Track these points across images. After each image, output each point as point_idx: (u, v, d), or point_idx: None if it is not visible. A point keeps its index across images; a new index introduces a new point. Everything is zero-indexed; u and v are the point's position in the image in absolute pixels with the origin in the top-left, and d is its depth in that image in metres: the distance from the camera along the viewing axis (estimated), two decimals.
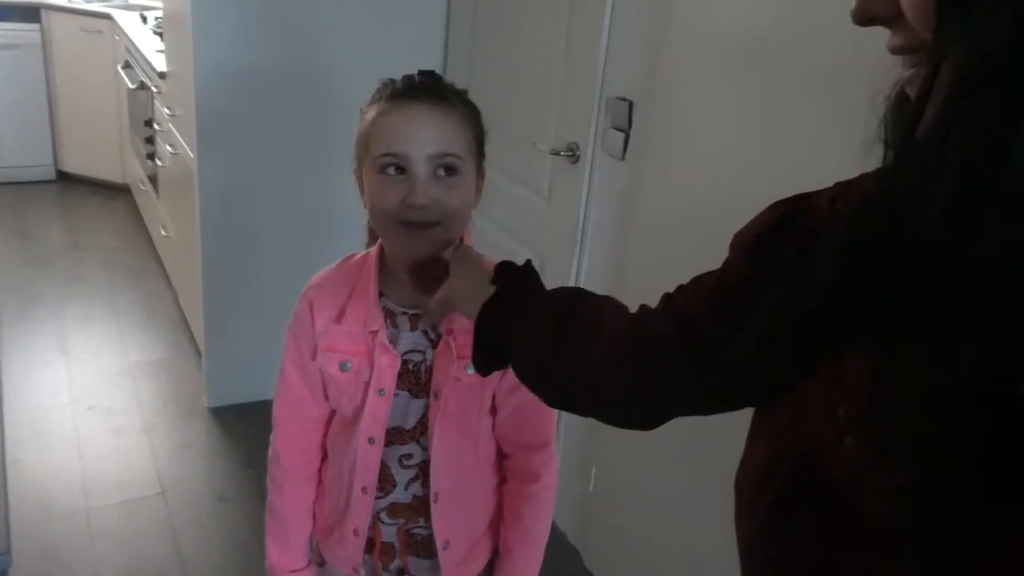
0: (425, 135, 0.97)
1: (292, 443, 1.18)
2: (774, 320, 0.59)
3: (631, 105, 1.86)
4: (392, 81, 1.02)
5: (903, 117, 0.49)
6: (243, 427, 2.66)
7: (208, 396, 2.78)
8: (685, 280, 0.74)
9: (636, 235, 1.89)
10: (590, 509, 2.15)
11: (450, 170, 0.99)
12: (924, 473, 0.42)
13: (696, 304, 0.70)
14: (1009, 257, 0.39)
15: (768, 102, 1.52)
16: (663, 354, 0.72)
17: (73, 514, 2.24)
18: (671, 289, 0.76)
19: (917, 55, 0.47)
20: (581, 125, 2.00)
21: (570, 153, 2.04)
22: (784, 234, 0.61)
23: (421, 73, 1.03)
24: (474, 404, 1.10)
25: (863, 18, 0.49)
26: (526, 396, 1.12)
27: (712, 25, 1.63)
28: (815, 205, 0.60)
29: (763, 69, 1.53)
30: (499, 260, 0.95)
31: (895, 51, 0.49)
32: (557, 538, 2.23)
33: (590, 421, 2.24)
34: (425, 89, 1.00)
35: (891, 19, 0.47)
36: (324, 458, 1.20)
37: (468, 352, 1.05)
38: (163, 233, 3.44)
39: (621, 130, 1.89)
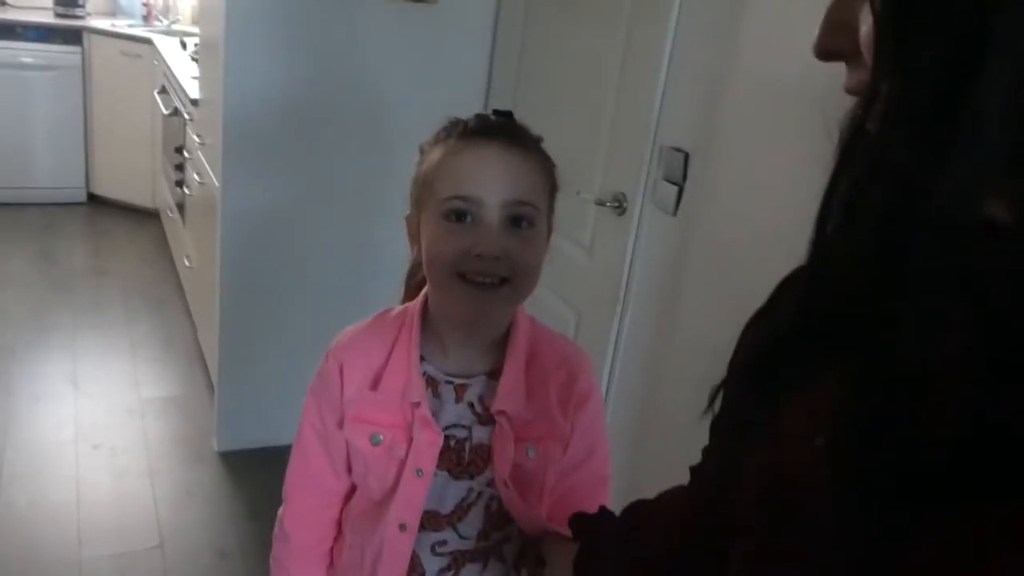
0: (501, 179, 0.86)
1: (304, 521, 1.03)
2: (748, 356, 0.62)
3: (687, 156, 1.70)
4: (461, 120, 0.90)
5: (837, 146, 0.49)
6: (251, 475, 2.51)
7: (218, 439, 2.63)
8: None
9: (685, 297, 1.72)
10: None
11: (526, 221, 0.87)
12: (881, 502, 0.42)
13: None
14: (932, 287, 0.40)
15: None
16: None
17: (64, 564, 2.09)
18: (720, 359, 0.72)
19: None
20: (630, 175, 1.84)
21: (616, 204, 1.88)
22: (785, 283, 0.64)
23: (496, 112, 0.91)
24: (535, 490, 0.96)
25: (823, 53, 0.49)
26: (583, 475, 1.01)
27: (779, 75, 1.47)
28: None
29: (829, 123, 1.37)
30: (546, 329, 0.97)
31: (851, 91, 0.48)
32: None
33: None
34: (501, 129, 0.89)
35: (850, 55, 0.47)
36: (336, 534, 1.05)
37: (526, 434, 0.93)
38: (187, 264, 3.33)
39: (674, 183, 1.73)
